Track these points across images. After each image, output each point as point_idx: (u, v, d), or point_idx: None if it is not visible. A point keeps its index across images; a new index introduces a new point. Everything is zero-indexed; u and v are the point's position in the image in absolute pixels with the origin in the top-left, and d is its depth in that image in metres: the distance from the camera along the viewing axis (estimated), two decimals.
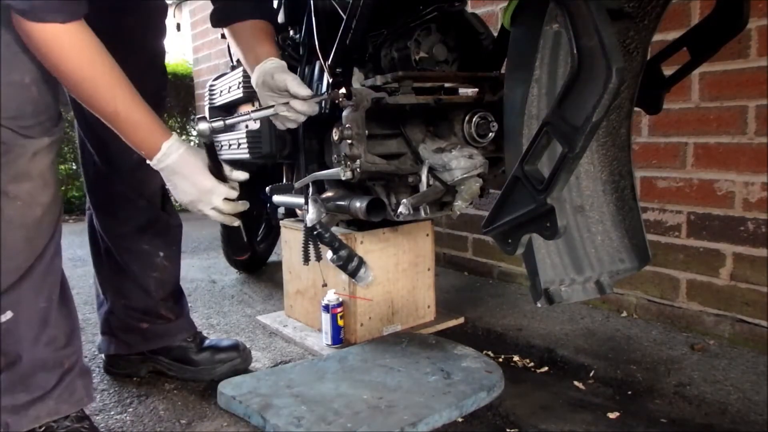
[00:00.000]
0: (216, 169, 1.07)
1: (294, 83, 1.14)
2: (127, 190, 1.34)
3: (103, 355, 1.49)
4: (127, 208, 1.35)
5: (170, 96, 4.53)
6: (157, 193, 1.39)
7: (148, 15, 1.32)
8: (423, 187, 1.26)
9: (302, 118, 1.20)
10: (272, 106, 1.17)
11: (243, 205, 1.10)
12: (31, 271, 1.01)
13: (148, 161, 1.02)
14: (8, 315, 0.99)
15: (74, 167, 4.29)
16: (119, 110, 0.96)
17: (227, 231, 1.16)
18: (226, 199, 1.07)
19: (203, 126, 1.05)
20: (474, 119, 1.32)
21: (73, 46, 0.89)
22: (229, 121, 1.09)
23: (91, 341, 1.60)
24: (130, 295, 1.39)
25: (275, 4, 1.64)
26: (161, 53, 1.39)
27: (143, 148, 1.01)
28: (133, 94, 0.97)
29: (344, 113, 1.21)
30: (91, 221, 1.41)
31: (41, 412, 1.04)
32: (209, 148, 1.06)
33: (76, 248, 3.01)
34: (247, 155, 1.56)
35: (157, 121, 1.01)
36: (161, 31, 1.36)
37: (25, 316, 1.02)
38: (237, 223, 1.13)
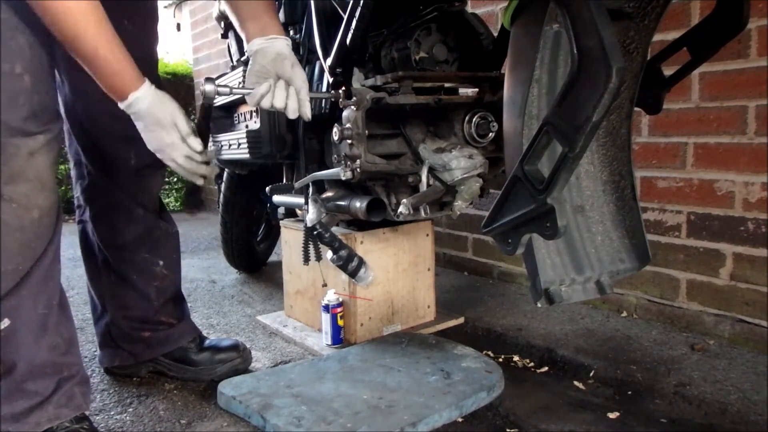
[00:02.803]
0: (204, 127, 1.10)
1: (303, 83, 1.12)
2: (125, 199, 1.32)
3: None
4: (126, 217, 1.33)
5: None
6: (154, 201, 1.38)
7: (142, 22, 1.29)
8: (423, 187, 1.26)
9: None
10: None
11: (207, 169, 1.09)
12: (29, 276, 1.00)
13: (120, 104, 1.01)
14: (6, 323, 0.98)
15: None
16: (99, 52, 0.93)
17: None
18: (189, 157, 1.06)
19: (210, 87, 1.06)
20: (474, 119, 1.32)
21: None
22: (235, 90, 1.09)
23: (91, 341, 1.60)
24: (130, 305, 1.37)
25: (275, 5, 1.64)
26: (154, 61, 1.36)
27: (115, 94, 0.99)
28: (115, 39, 0.95)
29: (344, 113, 1.21)
30: (84, 234, 1.39)
31: (41, 418, 1.04)
32: (207, 109, 1.09)
33: (76, 248, 2.99)
34: (247, 155, 1.56)
35: (133, 69, 0.99)
36: (154, 38, 1.34)
37: (24, 322, 1.00)
38: (200, 181, 1.12)
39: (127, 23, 1.25)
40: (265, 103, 1.09)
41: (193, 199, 4.86)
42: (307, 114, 1.12)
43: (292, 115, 1.11)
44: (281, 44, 1.11)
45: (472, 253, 2.39)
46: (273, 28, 1.12)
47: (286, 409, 1.18)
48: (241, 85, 1.11)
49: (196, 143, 1.06)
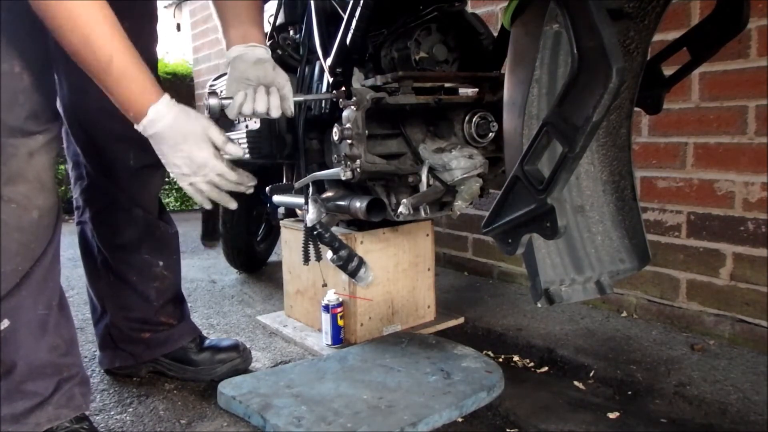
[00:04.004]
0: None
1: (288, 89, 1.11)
2: (124, 199, 1.32)
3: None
4: (125, 218, 1.33)
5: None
6: (153, 202, 1.38)
7: (141, 22, 1.29)
8: (423, 187, 1.26)
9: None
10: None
11: (245, 180, 0.99)
12: (29, 276, 0.99)
13: (135, 125, 0.92)
14: (6, 323, 0.98)
15: None
16: (114, 60, 0.85)
17: (205, 215, 1.11)
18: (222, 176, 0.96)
19: (214, 102, 1.04)
20: (474, 119, 1.32)
21: None
22: (210, 101, 1.07)
23: (91, 341, 1.60)
24: (130, 306, 1.37)
25: (275, 4, 1.64)
26: (154, 61, 1.36)
27: (132, 109, 0.90)
28: (131, 46, 0.88)
29: (344, 113, 1.21)
30: (83, 235, 1.39)
31: (41, 418, 1.04)
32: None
33: (76, 248, 2.99)
34: (247, 155, 1.56)
35: (152, 79, 0.91)
36: (153, 38, 1.34)
37: (24, 323, 1.00)
38: (234, 205, 1.02)
39: (126, 23, 1.25)
40: (247, 110, 1.06)
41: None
42: (290, 110, 1.10)
43: (275, 113, 1.08)
44: (261, 51, 1.10)
45: (472, 253, 2.39)
46: (255, 36, 1.11)
47: (286, 409, 1.18)
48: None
49: (235, 149, 0.97)
